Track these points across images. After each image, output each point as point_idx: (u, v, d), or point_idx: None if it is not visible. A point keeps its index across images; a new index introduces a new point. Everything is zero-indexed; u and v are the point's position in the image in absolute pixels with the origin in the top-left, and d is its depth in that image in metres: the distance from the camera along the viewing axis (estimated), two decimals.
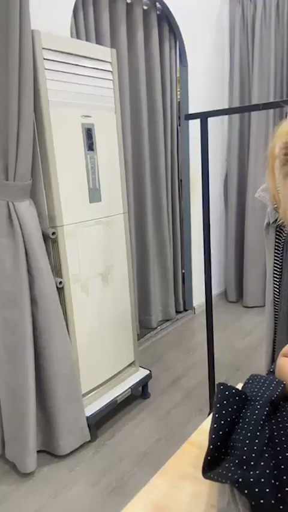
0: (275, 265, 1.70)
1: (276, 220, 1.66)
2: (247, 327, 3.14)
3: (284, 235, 1.67)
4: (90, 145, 1.84)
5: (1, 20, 1.45)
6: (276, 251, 1.69)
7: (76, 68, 1.75)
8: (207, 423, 0.75)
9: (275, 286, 1.71)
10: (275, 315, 1.73)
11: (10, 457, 1.82)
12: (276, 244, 1.68)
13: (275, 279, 1.70)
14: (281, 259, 1.68)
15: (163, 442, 1.95)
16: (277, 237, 1.68)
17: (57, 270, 1.79)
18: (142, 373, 2.27)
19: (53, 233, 1.72)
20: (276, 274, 1.70)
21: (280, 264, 1.69)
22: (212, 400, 0.58)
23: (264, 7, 3.05)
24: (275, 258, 1.69)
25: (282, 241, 1.67)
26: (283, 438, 0.50)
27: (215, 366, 2.01)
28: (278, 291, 1.70)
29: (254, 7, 3.10)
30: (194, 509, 0.60)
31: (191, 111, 3.02)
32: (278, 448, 0.49)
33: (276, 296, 1.71)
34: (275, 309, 1.73)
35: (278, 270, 1.69)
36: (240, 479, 0.46)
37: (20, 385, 1.70)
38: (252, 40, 3.16)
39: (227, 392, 0.57)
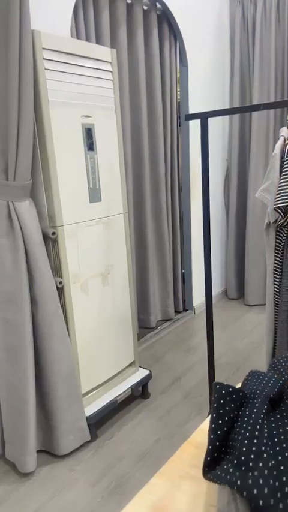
0: (275, 265, 1.70)
1: (276, 220, 1.66)
2: (247, 327, 3.14)
3: (284, 235, 1.67)
4: (90, 145, 1.84)
5: (1, 20, 1.46)
6: (276, 251, 1.69)
7: (76, 68, 1.75)
8: (206, 423, 0.75)
9: (275, 286, 1.71)
10: (275, 315, 1.73)
11: (10, 457, 1.82)
12: (277, 244, 1.69)
13: (275, 279, 1.70)
14: (281, 259, 1.68)
15: (163, 442, 1.95)
16: (277, 237, 1.68)
17: (57, 269, 1.79)
18: (142, 373, 2.27)
19: (53, 233, 1.72)
20: (276, 274, 1.70)
21: (280, 264, 1.69)
22: None
23: (265, 7, 3.05)
24: (275, 258, 1.69)
25: (283, 241, 1.67)
26: (282, 437, 0.50)
27: (215, 365, 2.01)
28: (278, 291, 1.70)
29: (254, 7, 3.10)
30: (194, 509, 0.60)
31: (191, 111, 3.02)
32: (278, 448, 0.49)
33: (276, 296, 1.71)
34: (275, 309, 1.73)
35: (278, 270, 1.70)
36: (238, 482, 0.46)
37: (20, 385, 1.70)
38: (253, 40, 3.16)
39: (223, 391, 0.57)
